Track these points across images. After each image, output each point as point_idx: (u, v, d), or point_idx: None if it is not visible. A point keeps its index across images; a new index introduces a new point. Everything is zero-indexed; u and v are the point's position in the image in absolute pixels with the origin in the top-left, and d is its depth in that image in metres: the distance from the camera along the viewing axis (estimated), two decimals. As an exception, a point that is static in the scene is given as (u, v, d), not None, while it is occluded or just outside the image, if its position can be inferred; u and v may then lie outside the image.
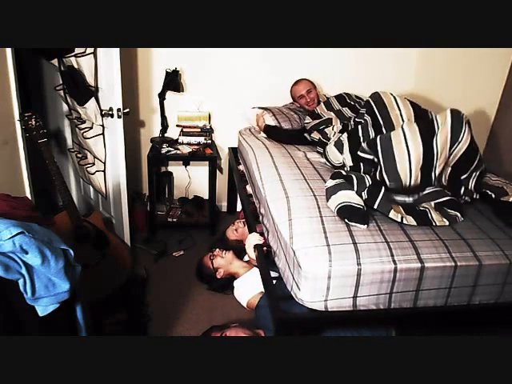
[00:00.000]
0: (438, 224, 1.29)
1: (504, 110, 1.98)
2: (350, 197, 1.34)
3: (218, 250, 2.15)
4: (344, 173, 1.51)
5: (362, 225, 1.26)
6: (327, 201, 1.38)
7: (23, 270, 1.03)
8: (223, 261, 2.08)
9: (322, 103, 2.40)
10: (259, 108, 2.71)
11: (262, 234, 1.62)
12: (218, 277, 2.07)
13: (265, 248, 1.51)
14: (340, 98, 2.39)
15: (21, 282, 1.04)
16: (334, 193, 1.37)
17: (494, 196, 1.34)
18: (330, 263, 1.12)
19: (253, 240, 1.57)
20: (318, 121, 2.20)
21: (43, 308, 1.10)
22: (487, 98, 2.10)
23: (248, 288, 1.91)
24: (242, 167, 2.46)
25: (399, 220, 1.29)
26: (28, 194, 2.01)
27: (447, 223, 1.30)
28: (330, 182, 1.47)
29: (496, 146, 2.02)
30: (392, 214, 1.30)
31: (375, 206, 1.32)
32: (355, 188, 1.39)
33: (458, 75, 2.40)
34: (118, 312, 1.85)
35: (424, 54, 2.78)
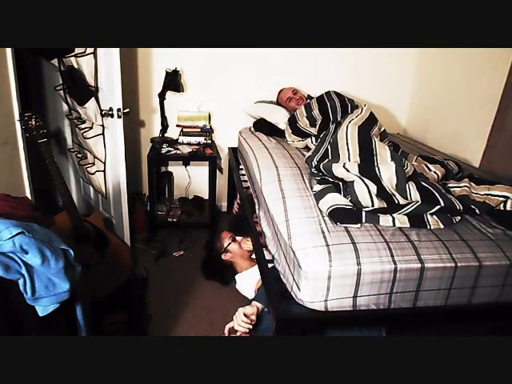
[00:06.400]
0: (432, 227, 1.29)
1: (504, 109, 1.98)
2: (338, 199, 1.34)
3: (242, 237, 2.13)
4: (331, 179, 1.53)
5: (355, 224, 1.26)
6: (317, 205, 1.38)
7: (23, 270, 1.03)
8: (238, 250, 2.08)
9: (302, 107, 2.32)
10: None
11: (261, 234, 1.62)
12: (223, 258, 2.07)
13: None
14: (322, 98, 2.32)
15: (21, 282, 1.05)
16: (322, 197, 1.37)
17: (478, 211, 1.37)
18: (330, 263, 1.12)
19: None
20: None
21: (43, 308, 1.10)
22: (487, 97, 2.10)
23: (252, 278, 1.92)
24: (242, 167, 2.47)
25: (391, 224, 1.29)
26: (28, 194, 2.01)
27: (442, 226, 1.29)
28: (317, 187, 1.47)
29: (496, 147, 2.02)
30: (382, 221, 1.29)
31: (363, 221, 1.30)
32: (342, 193, 1.41)
33: (457, 75, 2.40)
34: (118, 312, 1.85)
35: (423, 54, 2.78)
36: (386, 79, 2.91)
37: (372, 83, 2.91)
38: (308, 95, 2.65)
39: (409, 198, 1.36)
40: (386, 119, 3.03)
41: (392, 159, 1.51)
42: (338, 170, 1.50)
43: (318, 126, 2.14)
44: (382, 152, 1.56)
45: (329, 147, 1.71)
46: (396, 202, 1.35)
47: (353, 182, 1.40)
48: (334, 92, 2.26)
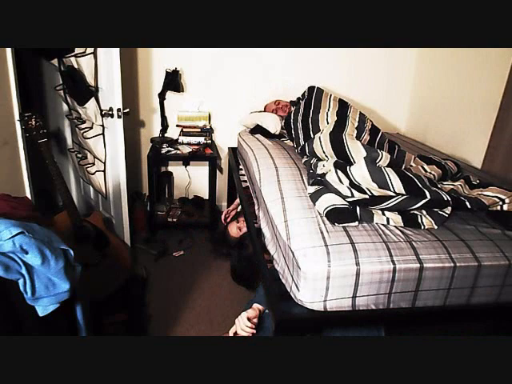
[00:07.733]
0: (426, 227, 1.29)
1: (505, 109, 1.98)
2: (332, 199, 1.33)
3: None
4: (320, 178, 1.53)
5: (353, 222, 1.26)
6: (314, 206, 1.39)
7: (23, 270, 1.04)
8: None
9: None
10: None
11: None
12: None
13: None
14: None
15: (21, 282, 1.05)
16: (317, 198, 1.37)
17: (469, 205, 1.38)
18: (329, 263, 1.12)
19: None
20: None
21: (43, 308, 1.11)
22: (488, 97, 2.10)
23: None
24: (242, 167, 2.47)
25: (385, 222, 1.28)
26: (28, 194, 2.02)
27: (436, 227, 1.29)
28: (310, 189, 1.47)
29: (498, 147, 2.02)
30: (376, 219, 1.29)
31: (359, 218, 1.29)
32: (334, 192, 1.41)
33: (457, 75, 2.41)
34: (118, 312, 1.86)
35: (423, 54, 2.78)
36: (386, 79, 2.91)
37: (372, 83, 2.91)
38: (290, 101, 2.71)
39: (391, 188, 1.32)
40: (386, 119, 3.03)
41: (365, 159, 1.47)
42: (320, 167, 1.57)
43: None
44: (357, 151, 1.59)
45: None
46: (376, 194, 1.33)
47: (326, 173, 1.44)
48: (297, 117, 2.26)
